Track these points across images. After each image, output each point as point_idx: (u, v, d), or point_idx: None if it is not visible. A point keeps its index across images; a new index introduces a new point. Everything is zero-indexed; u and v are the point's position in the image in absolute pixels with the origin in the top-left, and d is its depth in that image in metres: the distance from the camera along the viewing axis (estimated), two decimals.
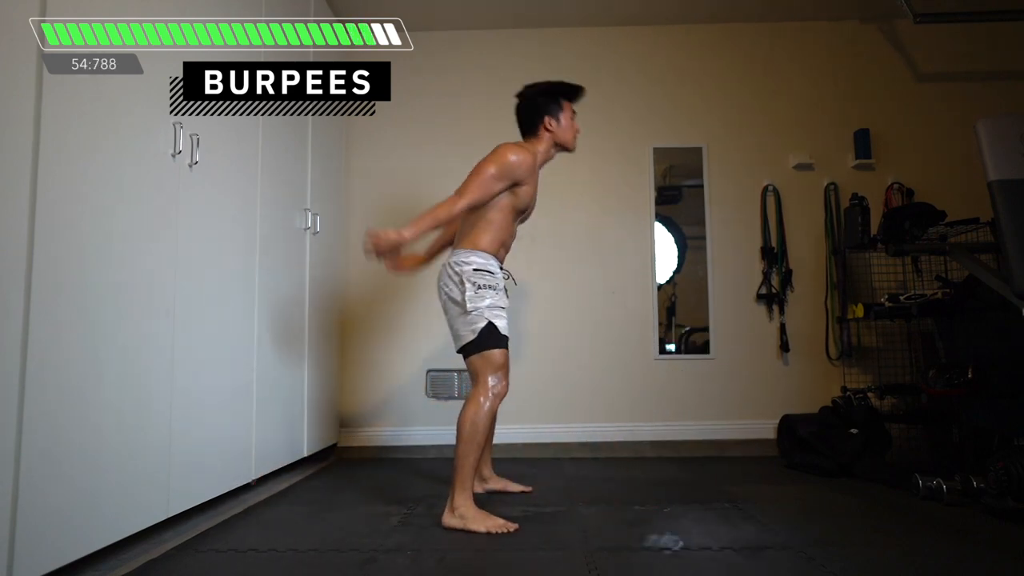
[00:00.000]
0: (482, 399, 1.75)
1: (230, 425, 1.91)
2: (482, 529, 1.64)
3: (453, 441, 1.78)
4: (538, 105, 1.96)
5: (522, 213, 1.95)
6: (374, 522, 1.75)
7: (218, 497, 1.85)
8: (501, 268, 1.90)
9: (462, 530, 1.65)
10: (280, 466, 2.25)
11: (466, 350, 1.81)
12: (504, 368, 1.80)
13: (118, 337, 1.39)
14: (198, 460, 1.71)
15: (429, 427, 2.92)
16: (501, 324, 1.80)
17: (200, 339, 1.73)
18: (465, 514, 1.68)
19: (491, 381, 1.77)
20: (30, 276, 1.14)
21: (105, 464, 1.34)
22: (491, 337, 1.78)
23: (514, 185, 1.84)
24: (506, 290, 1.90)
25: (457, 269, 1.82)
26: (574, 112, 2.00)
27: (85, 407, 1.29)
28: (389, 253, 1.72)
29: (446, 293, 1.85)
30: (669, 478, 2.42)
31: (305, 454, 2.46)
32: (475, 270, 1.80)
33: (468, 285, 1.79)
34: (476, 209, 1.85)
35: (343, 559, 1.43)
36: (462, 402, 1.79)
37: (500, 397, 1.78)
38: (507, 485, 2.10)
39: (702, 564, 1.40)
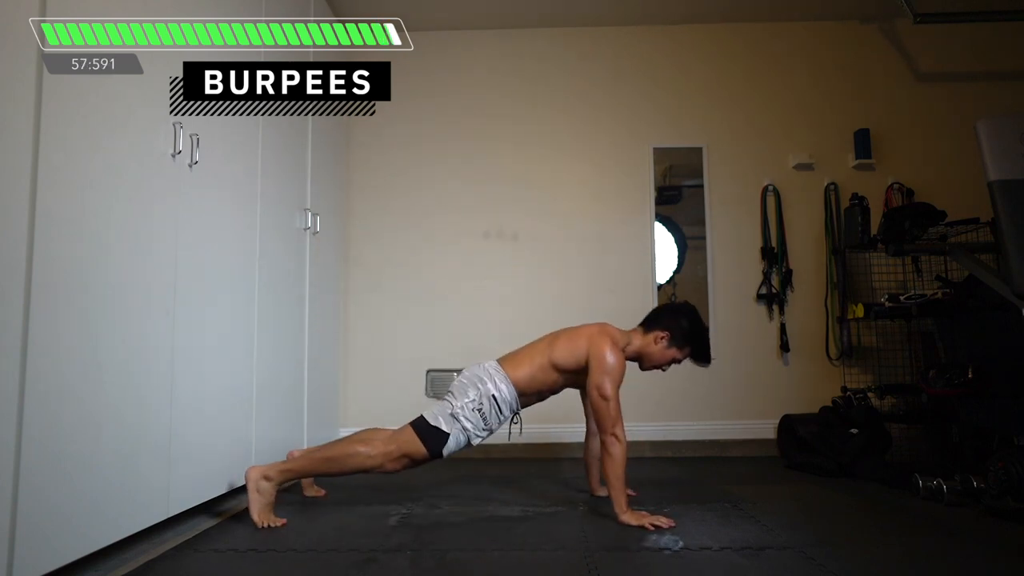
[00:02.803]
0: (373, 450, 1.73)
1: (230, 425, 1.91)
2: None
3: None
4: (674, 323, 1.90)
5: (575, 384, 1.93)
6: (374, 522, 1.75)
7: (218, 497, 1.85)
8: (516, 412, 1.87)
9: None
10: None
11: (418, 420, 1.79)
12: (401, 458, 1.74)
13: (118, 337, 1.39)
14: (198, 460, 1.71)
15: None
16: (452, 443, 1.76)
17: (200, 339, 1.72)
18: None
19: (388, 448, 1.73)
20: (30, 276, 1.14)
21: (105, 464, 1.34)
22: (432, 438, 1.75)
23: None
24: (496, 427, 1.85)
25: (488, 384, 1.81)
26: (678, 361, 1.94)
27: (85, 407, 1.29)
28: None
29: (468, 377, 1.84)
30: (669, 478, 2.42)
31: None
32: (492, 397, 1.80)
33: (472, 398, 1.79)
34: (543, 352, 1.86)
35: (343, 559, 1.43)
36: None
37: (378, 463, 1.73)
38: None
39: (702, 564, 1.40)
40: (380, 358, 3.01)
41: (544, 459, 2.84)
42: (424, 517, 1.78)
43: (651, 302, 3.01)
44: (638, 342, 1.91)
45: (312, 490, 2.08)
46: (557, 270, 3.05)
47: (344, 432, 2.91)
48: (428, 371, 2.99)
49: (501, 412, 1.82)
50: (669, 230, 3.12)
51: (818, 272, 3.02)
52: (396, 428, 1.83)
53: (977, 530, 1.67)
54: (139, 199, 1.48)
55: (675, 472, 2.53)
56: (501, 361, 1.90)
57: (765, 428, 2.88)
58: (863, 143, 3.01)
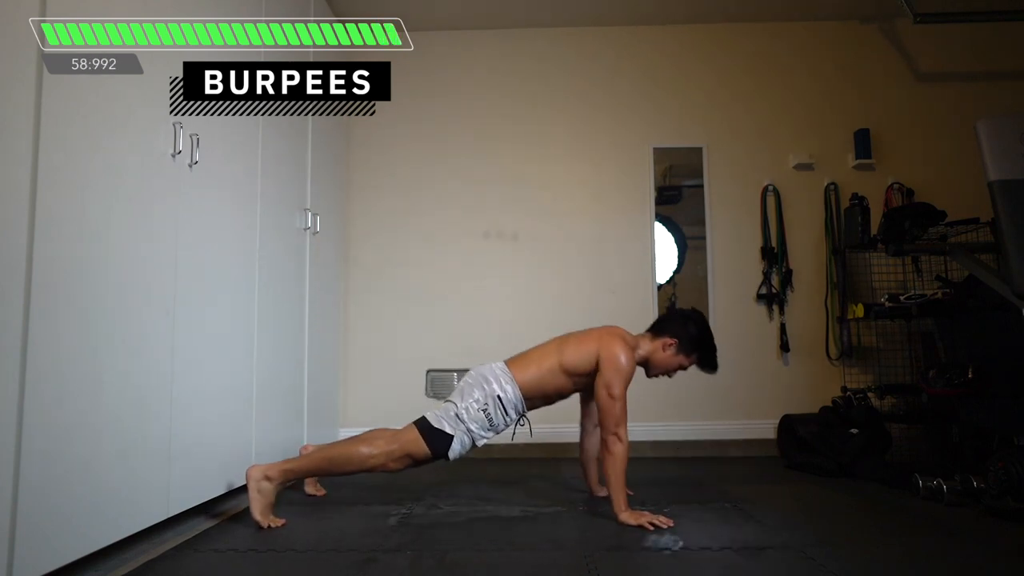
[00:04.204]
0: (371, 449, 1.72)
1: (230, 425, 1.91)
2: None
3: None
4: (683, 330, 1.89)
5: (583, 388, 1.91)
6: (374, 522, 1.75)
7: (218, 497, 1.85)
8: (522, 415, 1.87)
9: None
10: None
11: (421, 421, 1.78)
12: (404, 458, 1.73)
13: (118, 337, 1.39)
14: (198, 460, 1.71)
15: None
16: (457, 445, 1.75)
17: (200, 339, 1.72)
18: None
19: (391, 448, 1.72)
20: (30, 276, 1.14)
21: (105, 464, 1.34)
22: (436, 440, 1.73)
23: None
24: (501, 428, 1.85)
25: (493, 384, 1.81)
26: (684, 368, 1.95)
27: (85, 407, 1.29)
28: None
29: (474, 377, 1.84)
30: (669, 478, 2.42)
31: None
32: (497, 397, 1.80)
33: (477, 398, 1.78)
34: (552, 355, 1.86)
35: (343, 559, 1.43)
36: None
37: (380, 463, 1.72)
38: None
39: (702, 564, 1.40)
40: (380, 358, 3.01)
41: (544, 459, 2.84)
42: (424, 517, 1.79)
43: (651, 302, 3.01)
44: (646, 347, 1.91)
45: (313, 488, 2.08)
46: (557, 270, 3.05)
47: (344, 432, 2.93)
48: (428, 371, 2.99)
49: (507, 413, 1.82)
50: (669, 230, 3.12)
51: (818, 272, 3.02)
52: (399, 428, 1.83)
53: (977, 530, 1.67)
54: (139, 199, 1.48)
55: (675, 472, 2.53)
56: (508, 362, 1.89)
57: (765, 428, 2.88)
58: (863, 143, 3.01)
